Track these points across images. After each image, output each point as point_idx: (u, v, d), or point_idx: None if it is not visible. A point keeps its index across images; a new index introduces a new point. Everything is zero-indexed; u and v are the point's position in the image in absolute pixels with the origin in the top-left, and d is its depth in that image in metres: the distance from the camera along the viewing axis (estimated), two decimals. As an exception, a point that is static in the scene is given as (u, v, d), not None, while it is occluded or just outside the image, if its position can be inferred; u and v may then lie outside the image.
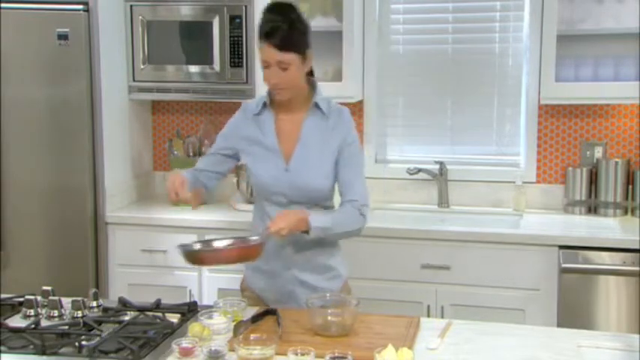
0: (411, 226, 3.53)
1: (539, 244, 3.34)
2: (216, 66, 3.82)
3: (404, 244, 3.46)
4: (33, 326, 2.23)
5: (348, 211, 2.55)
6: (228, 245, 2.45)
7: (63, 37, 3.61)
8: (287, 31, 2.43)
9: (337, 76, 3.76)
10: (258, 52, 2.54)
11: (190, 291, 3.66)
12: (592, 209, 3.73)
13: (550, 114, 3.85)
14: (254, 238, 2.45)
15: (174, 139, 4.13)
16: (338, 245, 2.67)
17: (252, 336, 2.08)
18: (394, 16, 4.00)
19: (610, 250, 3.27)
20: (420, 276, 3.44)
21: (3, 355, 2.05)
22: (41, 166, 3.72)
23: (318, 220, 2.47)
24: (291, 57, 2.44)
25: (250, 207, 2.87)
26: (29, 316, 2.37)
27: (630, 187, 3.67)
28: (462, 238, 3.42)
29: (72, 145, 3.69)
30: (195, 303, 2.44)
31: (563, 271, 3.28)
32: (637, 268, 3.22)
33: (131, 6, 3.87)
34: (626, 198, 3.68)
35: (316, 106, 2.58)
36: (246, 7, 3.73)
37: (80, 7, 3.61)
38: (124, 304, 2.45)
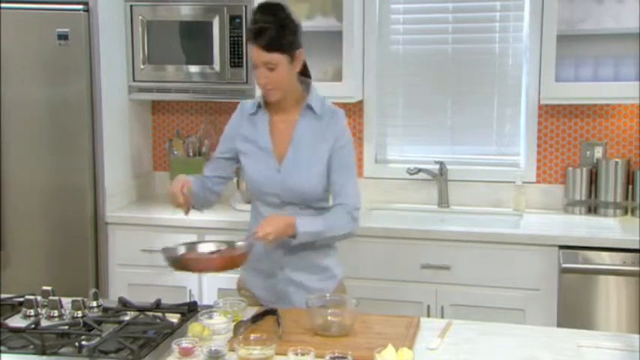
0: (411, 226, 3.53)
1: (539, 244, 3.33)
2: (216, 66, 3.82)
3: (404, 244, 3.45)
4: (33, 326, 2.23)
5: (339, 215, 2.54)
6: (212, 253, 2.40)
7: (63, 37, 3.61)
8: (274, 31, 2.42)
9: (337, 76, 3.76)
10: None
11: (190, 291, 3.66)
12: (592, 209, 3.73)
13: (550, 114, 3.85)
14: (240, 243, 2.43)
15: (174, 139, 4.13)
16: (333, 245, 2.66)
17: (252, 336, 2.08)
18: (394, 16, 4.00)
19: (610, 250, 3.27)
20: (420, 276, 3.44)
21: (3, 355, 2.04)
22: (41, 166, 3.72)
23: (305, 224, 2.46)
24: (277, 57, 2.44)
25: (250, 207, 2.87)
26: (29, 316, 2.36)
27: (630, 187, 3.67)
28: (462, 238, 3.42)
29: (72, 145, 3.69)
30: (195, 303, 2.44)
31: (563, 271, 3.28)
32: (637, 268, 3.22)
33: (131, 6, 3.87)
34: (626, 198, 3.68)
35: (309, 107, 2.57)
36: (246, 7, 3.73)
37: (80, 7, 3.61)
38: (124, 304, 2.45)
